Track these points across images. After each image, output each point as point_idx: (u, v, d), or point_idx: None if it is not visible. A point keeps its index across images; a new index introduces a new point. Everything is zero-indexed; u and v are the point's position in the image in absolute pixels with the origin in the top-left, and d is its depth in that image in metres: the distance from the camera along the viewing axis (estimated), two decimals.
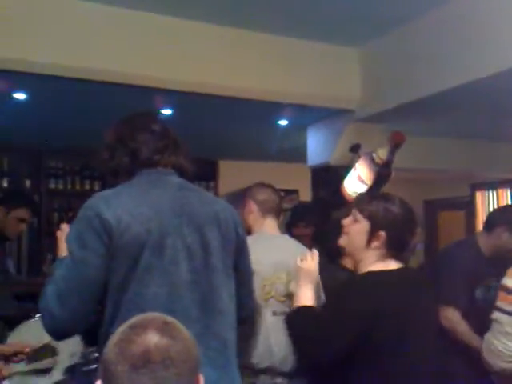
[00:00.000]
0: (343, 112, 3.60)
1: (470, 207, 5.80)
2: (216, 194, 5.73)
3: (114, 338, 0.95)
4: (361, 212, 1.70)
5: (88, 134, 4.36)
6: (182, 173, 1.62)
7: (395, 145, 3.06)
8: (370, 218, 1.67)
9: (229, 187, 5.67)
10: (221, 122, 4.10)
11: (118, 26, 2.85)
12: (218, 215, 1.56)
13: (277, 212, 2.30)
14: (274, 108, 3.54)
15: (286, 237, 2.35)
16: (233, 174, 5.69)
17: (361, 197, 1.87)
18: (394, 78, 3.25)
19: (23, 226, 3.05)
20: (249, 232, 2.20)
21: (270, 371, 2.00)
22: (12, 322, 2.30)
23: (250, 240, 1.96)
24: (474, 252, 2.65)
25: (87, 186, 5.22)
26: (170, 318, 0.99)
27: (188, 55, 3.02)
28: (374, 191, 3.22)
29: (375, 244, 1.67)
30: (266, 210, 2.25)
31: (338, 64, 3.42)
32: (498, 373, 1.82)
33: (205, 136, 4.59)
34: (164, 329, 0.94)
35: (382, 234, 1.66)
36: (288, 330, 1.72)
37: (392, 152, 3.11)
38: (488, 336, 1.82)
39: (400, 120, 3.54)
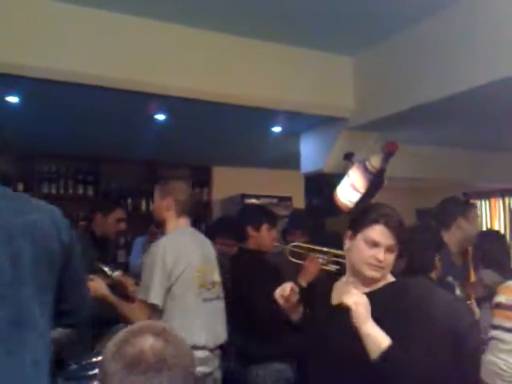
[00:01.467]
0: (337, 120, 3.61)
1: None
2: (210, 199, 5.74)
3: (113, 340, 0.98)
4: (401, 243, 1.68)
5: (82, 138, 4.38)
6: (4, 179, 1.54)
7: (388, 153, 3.08)
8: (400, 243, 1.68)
9: (223, 193, 5.67)
10: (215, 128, 4.10)
11: (112, 32, 2.85)
12: (35, 224, 1.48)
13: (190, 212, 2.53)
14: (267, 115, 3.54)
15: (197, 231, 2.63)
16: (227, 180, 5.69)
17: (400, 229, 1.70)
18: (387, 87, 3.27)
19: (123, 225, 3.39)
20: (161, 223, 2.49)
21: (205, 348, 2.33)
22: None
23: (176, 236, 2.38)
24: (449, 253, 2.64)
25: (80, 191, 5.21)
26: (168, 325, 1.01)
27: (182, 61, 3.02)
28: (367, 199, 3.23)
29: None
30: (182, 210, 2.46)
31: (332, 72, 3.43)
32: None
33: (199, 142, 4.60)
34: (160, 333, 0.96)
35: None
36: (391, 373, 1.53)
37: (385, 160, 3.13)
38: (487, 356, 1.76)
39: (393, 129, 3.55)
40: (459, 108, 3.20)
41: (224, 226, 3.61)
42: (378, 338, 1.54)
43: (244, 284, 2.76)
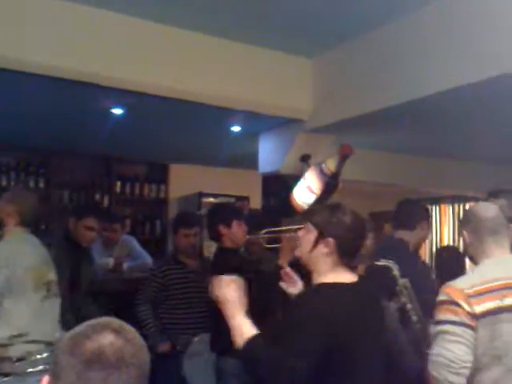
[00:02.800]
0: (294, 121, 3.64)
1: None
2: (167, 197, 5.69)
3: (70, 333, 0.94)
4: (311, 222, 1.79)
5: (34, 130, 4.26)
6: None
7: (343, 156, 3.12)
8: (317, 225, 1.76)
9: (180, 191, 5.63)
10: (173, 125, 4.06)
11: (70, 22, 2.78)
12: None
13: (29, 222, 2.68)
14: (227, 114, 3.54)
15: (33, 235, 2.73)
16: (184, 178, 5.65)
17: (311, 208, 1.94)
18: (344, 90, 3.32)
19: (92, 234, 3.26)
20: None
21: (45, 343, 2.46)
22: None
23: (13, 239, 2.60)
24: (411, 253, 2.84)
25: (31, 184, 5.08)
26: (125, 323, 0.99)
27: (141, 55, 2.98)
28: (322, 201, 3.27)
29: (325, 250, 1.73)
30: (22, 221, 2.61)
31: (290, 73, 3.46)
32: None
33: (156, 139, 4.55)
34: (120, 331, 0.94)
35: (331, 240, 1.72)
36: (249, 365, 1.63)
37: (340, 163, 3.17)
38: (434, 349, 1.78)
39: (350, 132, 3.61)
40: (414, 115, 3.28)
41: (185, 218, 3.63)
42: (242, 330, 1.63)
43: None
